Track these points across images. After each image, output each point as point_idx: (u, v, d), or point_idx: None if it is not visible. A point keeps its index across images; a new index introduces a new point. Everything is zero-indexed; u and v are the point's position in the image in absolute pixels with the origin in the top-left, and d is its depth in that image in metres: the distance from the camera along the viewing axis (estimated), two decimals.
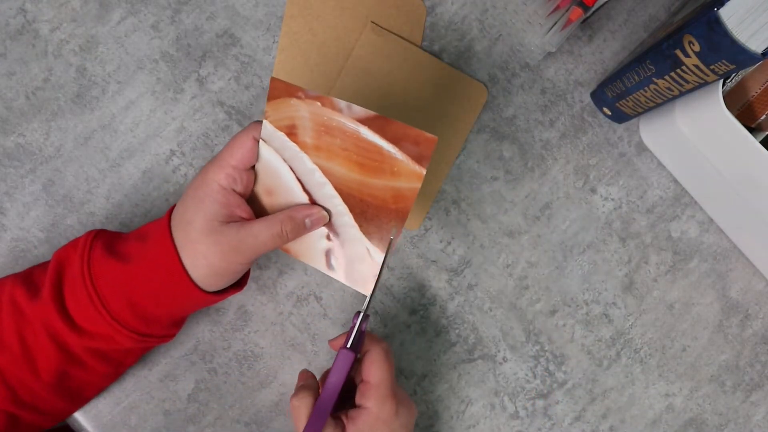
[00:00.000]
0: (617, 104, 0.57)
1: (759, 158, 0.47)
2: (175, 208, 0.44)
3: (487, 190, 0.58)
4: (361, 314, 0.44)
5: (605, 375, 0.59)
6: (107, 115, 0.54)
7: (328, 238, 0.45)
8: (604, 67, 0.61)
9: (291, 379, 0.55)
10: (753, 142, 0.47)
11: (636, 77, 0.52)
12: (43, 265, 0.46)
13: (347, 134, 0.42)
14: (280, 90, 0.42)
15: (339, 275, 0.45)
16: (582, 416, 0.58)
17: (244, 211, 0.44)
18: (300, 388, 0.45)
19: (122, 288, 0.43)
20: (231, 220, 0.43)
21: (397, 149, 0.41)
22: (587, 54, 0.60)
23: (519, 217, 0.59)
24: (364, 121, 0.41)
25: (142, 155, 0.54)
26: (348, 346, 0.44)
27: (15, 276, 0.46)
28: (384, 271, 0.46)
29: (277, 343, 0.55)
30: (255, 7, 0.56)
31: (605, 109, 0.59)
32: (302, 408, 0.44)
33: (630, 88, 0.53)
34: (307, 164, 0.44)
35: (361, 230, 0.44)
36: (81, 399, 0.50)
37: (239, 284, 0.47)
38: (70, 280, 0.43)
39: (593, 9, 0.51)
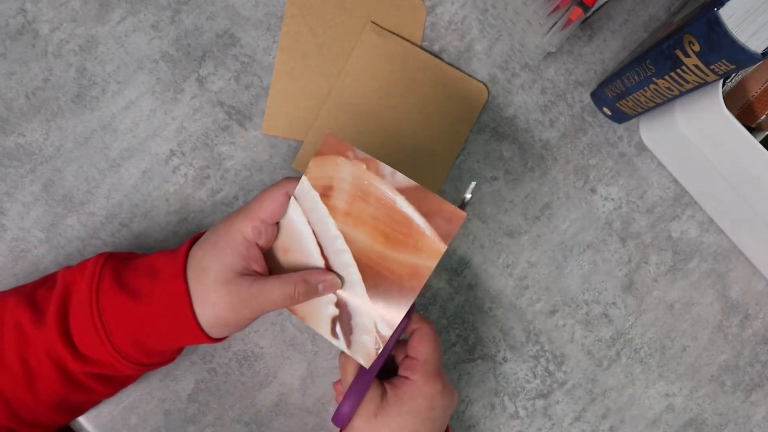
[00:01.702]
0: (617, 104, 0.57)
1: (759, 158, 0.47)
2: (193, 250, 0.44)
3: (487, 190, 0.58)
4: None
5: (605, 375, 0.59)
6: (107, 115, 0.54)
7: (337, 305, 0.45)
8: (604, 67, 0.61)
9: (291, 379, 0.55)
10: (753, 142, 0.47)
11: (636, 77, 0.52)
12: (47, 282, 0.46)
13: (382, 202, 0.42)
14: (331, 146, 0.42)
15: (342, 344, 0.45)
16: (582, 416, 0.58)
17: (260, 266, 0.44)
18: None
19: (129, 324, 0.43)
20: (246, 273, 0.43)
21: (427, 224, 0.41)
22: (587, 54, 0.60)
23: (519, 217, 0.59)
24: (403, 191, 0.41)
25: (142, 155, 0.54)
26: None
27: (18, 294, 0.45)
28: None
29: (277, 343, 0.55)
30: (255, 7, 0.56)
31: (605, 109, 0.59)
32: (349, 366, 0.45)
33: (630, 88, 0.53)
34: (331, 230, 0.44)
35: (371, 302, 0.44)
36: (80, 413, 0.50)
37: None
38: (77, 306, 0.43)
39: (593, 9, 0.51)
